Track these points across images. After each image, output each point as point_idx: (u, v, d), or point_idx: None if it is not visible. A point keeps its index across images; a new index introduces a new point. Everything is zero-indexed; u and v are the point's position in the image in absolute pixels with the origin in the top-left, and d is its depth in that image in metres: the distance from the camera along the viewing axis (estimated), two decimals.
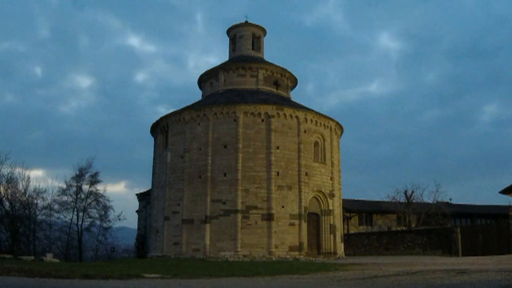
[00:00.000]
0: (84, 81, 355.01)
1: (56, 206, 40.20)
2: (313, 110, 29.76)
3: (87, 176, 41.51)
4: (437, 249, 31.31)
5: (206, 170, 26.86)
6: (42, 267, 15.75)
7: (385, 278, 10.99)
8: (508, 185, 28.82)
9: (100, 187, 42.73)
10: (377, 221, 45.08)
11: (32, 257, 29.30)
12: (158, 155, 30.96)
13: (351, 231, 42.87)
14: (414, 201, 43.06)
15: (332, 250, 28.37)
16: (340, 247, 30.17)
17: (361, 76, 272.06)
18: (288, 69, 32.84)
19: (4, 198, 37.00)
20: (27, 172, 54.74)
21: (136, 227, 42.82)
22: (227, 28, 34.95)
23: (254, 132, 27.09)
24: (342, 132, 32.44)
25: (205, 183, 26.73)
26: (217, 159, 26.92)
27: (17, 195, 37.88)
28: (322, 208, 28.79)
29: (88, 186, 41.66)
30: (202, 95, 33.95)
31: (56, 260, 28.22)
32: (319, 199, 28.67)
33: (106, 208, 42.18)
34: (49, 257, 30.11)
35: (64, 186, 40.93)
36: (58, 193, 40.58)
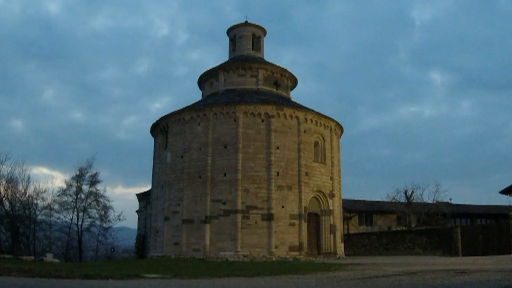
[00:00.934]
0: None
1: (56, 206, 40.30)
2: (313, 110, 29.76)
3: (87, 176, 41.58)
4: (437, 249, 31.31)
5: (206, 170, 26.87)
6: (42, 267, 15.75)
7: (385, 278, 10.99)
8: (508, 185, 28.81)
9: (100, 187, 42.80)
10: (377, 221, 45.10)
11: (32, 257, 29.30)
12: (158, 155, 30.97)
13: (351, 231, 42.87)
14: (414, 201, 43.08)
15: (332, 250, 28.37)
16: (340, 247, 30.17)
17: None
18: (288, 69, 32.89)
19: (4, 198, 37.02)
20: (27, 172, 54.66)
21: (136, 227, 42.81)
22: (227, 28, 34.97)
23: (254, 132, 27.09)
24: (342, 132, 32.44)
25: (205, 183, 26.73)
26: (217, 159, 26.92)
27: (17, 195, 37.93)
28: (322, 208, 28.80)
29: (88, 186, 41.73)
30: (202, 95, 33.96)
31: (56, 260, 28.22)
32: (319, 199, 28.67)
33: (106, 208, 42.26)
34: (49, 257, 30.10)
35: (64, 186, 41.02)
36: (58, 193, 40.66)
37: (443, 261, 20.62)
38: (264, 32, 34.88)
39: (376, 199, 47.76)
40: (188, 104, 31.22)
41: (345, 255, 31.20)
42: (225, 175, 26.57)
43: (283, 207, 26.41)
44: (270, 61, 33.54)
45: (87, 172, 41.48)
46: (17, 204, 37.69)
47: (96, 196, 41.80)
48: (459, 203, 49.28)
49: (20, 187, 38.16)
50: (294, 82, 34.04)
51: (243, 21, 34.25)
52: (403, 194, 43.44)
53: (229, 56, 34.53)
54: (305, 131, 28.16)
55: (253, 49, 33.75)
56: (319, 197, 28.62)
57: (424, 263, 18.01)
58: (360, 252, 36.59)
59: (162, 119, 30.31)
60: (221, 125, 27.36)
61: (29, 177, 40.19)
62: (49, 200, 40.08)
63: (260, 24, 34.50)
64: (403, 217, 42.39)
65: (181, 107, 30.36)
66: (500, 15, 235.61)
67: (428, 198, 43.89)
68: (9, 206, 37.03)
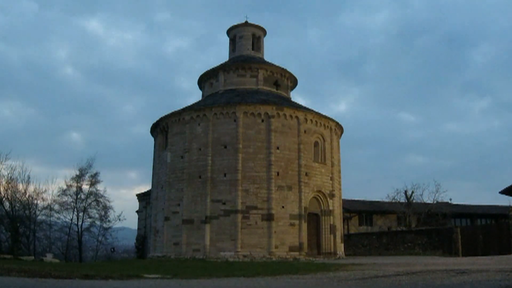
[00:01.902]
0: None
1: (56, 206, 40.25)
2: (313, 111, 29.77)
3: (87, 176, 41.57)
4: (437, 249, 31.31)
5: (206, 170, 26.86)
6: (42, 267, 15.75)
7: (385, 278, 10.99)
8: (508, 185, 28.79)
9: (100, 187, 42.79)
10: (377, 221, 45.09)
11: (32, 257, 29.30)
12: (158, 155, 30.97)
13: (351, 231, 42.86)
14: (414, 201, 43.09)
15: (332, 250, 28.36)
16: (340, 247, 30.17)
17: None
18: (288, 69, 32.88)
19: (4, 198, 37.00)
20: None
21: (136, 227, 42.83)
22: (227, 28, 34.97)
23: (254, 132, 27.09)
24: (342, 133, 32.44)
25: (205, 183, 26.73)
26: (217, 159, 26.92)
27: (17, 195, 37.90)
28: (322, 208, 28.79)
29: (88, 187, 41.72)
30: (202, 95, 33.96)
31: (56, 260, 28.21)
32: (319, 199, 28.67)
33: (106, 208, 42.22)
34: (49, 257, 30.09)
35: (64, 187, 41.00)
36: (58, 193, 40.64)
37: (443, 261, 20.62)
38: (264, 32, 34.87)
39: (376, 199, 47.80)
40: (188, 104, 31.25)
41: (345, 255, 31.19)
42: (225, 175, 26.56)
43: (283, 207, 26.40)
44: (270, 61, 33.54)
45: (87, 172, 41.51)
46: (17, 204, 37.67)
47: (96, 196, 41.80)
48: (459, 203, 49.29)
49: (20, 187, 38.17)
50: (294, 82, 34.03)
51: (243, 21, 34.25)
52: (403, 194, 43.47)
53: (229, 56, 34.52)
54: (305, 131, 28.16)
55: (253, 49, 33.74)
56: (319, 197, 28.61)
57: (424, 263, 18.01)
58: (360, 252, 36.58)
59: (162, 119, 30.30)
60: (221, 125, 27.35)
61: (29, 177, 40.14)
62: (49, 200, 40.10)
63: (260, 24, 34.52)
64: (403, 217, 42.38)
65: (181, 108, 30.40)
66: None
67: (428, 198, 43.93)
68: (9, 206, 37.01)
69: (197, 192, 26.90)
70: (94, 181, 41.76)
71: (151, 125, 32.03)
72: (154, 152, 31.96)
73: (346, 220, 40.84)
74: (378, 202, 46.60)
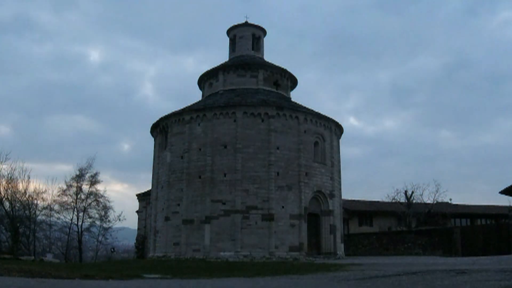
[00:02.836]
0: None
1: (56, 207, 40.29)
2: (313, 111, 29.77)
3: (87, 176, 41.58)
4: (437, 249, 31.33)
5: (206, 171, 26.86)
6: (42, 267, 15.75)
7: (385, 278, 10.98)
8: (508, 185, 28.79)
9: (100, 187, 42.81)
10: (377, 221, 45.08)
11: (32, 258, 29.32)
12: (158, 155, 30.96)
13: (351, 232, 42.87)
14: (414, 201, 43.07)
15: (332, 250, 28.36)
16: (340, 247, 30.17)
17: None
18: (288, 69, 32.88)
19: (4, 199, 37.02)
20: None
21: (136, 228, 42.85)
22: (227, 29, 34.95)
23: (254, 133, 27.08)
24: (342, 133, 32.44)
25: (205, 184, 26.72)
26: (217, 159, 26.91)
27: (17, 195, 37.91)
28: (322, 208, 28.79)
29: (88, 187, 41.72)
30: (202, 96, 33.95)
31: (56, 261, 28.26)
32: (319, 199, 28.67)
33: (106, 209, 42.24)
34: (49, 257, 30.15)
35: (64, 187, 41.01)
36: (58, 193, 40.65)
37: (443, 261, 20.61)
38: (264, 32, 34.86)
39: (376, 199, 47.80)
40: (188, 105, 31.25)
41: (345, 255, 31.19)
42: (225, 175, 26.56)
43: (283, 207, 26.40)
44: (270, 61, 33.54)
45: (87, 172, 41.52)
46: (17, 204, 37.70)
47: (96, 196, 41.81)
48: (459, 203, 49.30)
49: (20, 187, 38.18)
50: (294, 82, 34.02)
51: (243, 21, 34.25)
52: (403, 194, 43.45)
53: (229, 57, 34.51)
54: (305, 131, 28.16)
55: (253, 49, 33.73)
56: (319, 197, 28.61)
57: (424, 263, 18.00)
58: (360, 252, 36.59)
59: (162, 119, 30.30)
60: (221, 126, 27.35)
61: (29, 177, 40.10)
62: (49, 200, 40.12)
63: (260, 24, 34.51)
64: (403, 218, 42.37)
65: (181, 108, 30.40)
66: None
67: (428, 198, 43.91)
68: (9, 206, 37.05)
69: (197, 192, 26.89)
70: (94, 181, 41.81)
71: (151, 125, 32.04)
72: (154, 152, 31.96)
73: (346, 220, 40.83)
74: (378, 202, 46.60)
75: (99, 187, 42.58)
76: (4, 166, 37.16)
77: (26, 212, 38.14)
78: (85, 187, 41.54)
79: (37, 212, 39.45)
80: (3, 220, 37.20)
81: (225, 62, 33.69)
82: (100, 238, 43.38)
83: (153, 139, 32.73)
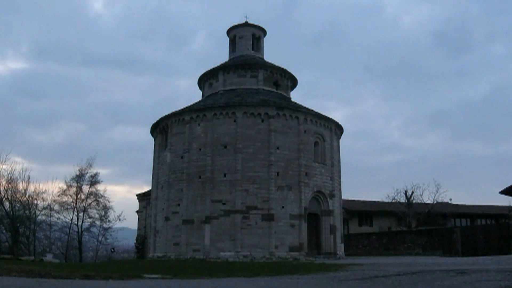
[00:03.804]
0: None
1: (56, 207, 40.29)
2: (313, 111, 29.77)
3: (87, 176, 41.59)
4: (437, 250, 31.33)
5: (206, 171, 26.86)
6: (42, 267, 15.75)
7: (385, 278, 10.98)
8: (509, 185, 28.80)
9: (100, 188, 42.80)
10: (377, 221, 45.11)
11: (32, 258, 29.32)
12: (158, 155, 30.97)
13: (351, 232, 42.89)
14: (414, 201, 43.10)
15: (332, 251, 28.36)
16: (340, 248, 30.16)
17: None
18: (288, 69, 32.89)
19: (4, 199, 37.02)
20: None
21: (136, 228, 42.85)
22: (227, 29, 34.95)
23: (254, 133, 27.08)
24: (342, 133, 32.44)
25: (205, 184, 26.72)
26: (217, 159, 26.91)
27: (17, 196, 37.92)
28: (322, 208, 28.79)
29: (88, 187, 41.72)
30: (202, 96, 33.95)
31: (56, 261, 28.25)
32: (319, 200, 28.66)
33: (106, 209, 42.24)
34: (49, 257, 30.13)
35: (64, 187, 41.01)
36: (58, 194, 40.66)
37: (443, 261, 20.61)
38: (264, 32, 34.86)
39: (376, 199, 47.82)
40: (188, 105, 31.25)
41: (345, 255, 31.19)
42: (225, 175, 26.55)
43: (283, 207, 26.39)
44: (270, 61, 33.54)
45: (87, 172, 41.52)
46: (17, 204, 37.70)
47: (96, 196, 41.81)
48: (459, 203, 49.31)
49: (20, 187, 38.19)
50: (294, 82, 34.02)
51: (243, 21, 34.24)
52: (403, 195, 43.48)
53: (229, 57, 34.50)
54: (305, 132, 28.15)
55: (253, 49, 33.73)
56: (319, 197, 28.61)
57: (424, 263, 18.00)
58: (360, 252, 36.60)
59: (162, 119, 30.30)
60: (221, 126, 27.35)
61: (29, 177, 40.17)
62: (49, 200, 40.12)
63: (260, 24, 34.51)
64: (403, 218, 42.39)
65: (181, 108, 30.40)
66: None
67: (428, 198, 43.94)
68: (9, 206, 37.05)
69: (197, 192, 26.89)
70: (94, 181, 41.81)
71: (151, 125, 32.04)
72: (154, 152, 31.96)
73: (346, 220, 40.84)
74: (378, 202, 46.63)
75: (99, 187, 42.57)
76: (4, 166, 37.10)
77: (26, 212, 38.14)
78: (85, 187, 41.59)
79: (37, 212, 39.48)
80: (3, 220, 37.20)
81: (225, 62, 33.68)
82: (100, 238, 43.40)
83: (153, 139, 32.74)
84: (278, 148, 27.02)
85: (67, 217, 40.57)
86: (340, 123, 31.29)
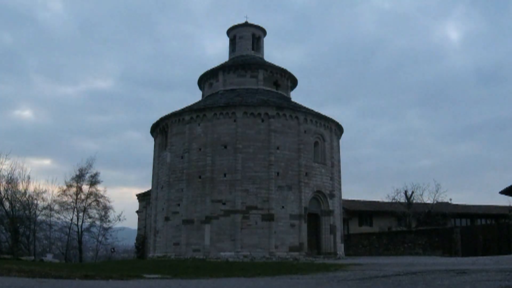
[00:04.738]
0: None
1: (56, 207, 40.30)
2: (313, 111, 29.77)
3: (87, 176, 41.59)
4: (438, 250, 31.32)
5: (206, 171, 26.86)
6: (42, 267, 15.74)
7: (385, 278, 10.98)
8: (509, 185, 28.81)
9: (100, 188, 42.81)
10: (377, 221, 45.10)
11: (32, 258, 29.33)
12: (158, 155, 30.97)
13: (351, 232, 42.88)
14: (414, 201, 43.08)
15: (332, 251, 28.36)
16: (340, 248, 30.17)
17: None
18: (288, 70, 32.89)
19: (4, 199, 37.01)
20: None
21: (136, 228, 42.83)
22: (227, 29, 34.95)
23: (254, 133, 27.08)
24: (342, 133, 32.44)
25: (205, 184, 26.72)
26: (217, 159, 26.91)
27: (17, 196, 37.91)
28: (322, 208, 28.79)
29: (88, 187, 41.72)
30: (202, 96, 33.96)
31: (56, 261, 28.25)
32: (319, 200, 28.66)
33: (106, 209, 42.25)
34: (49, 257, 30.14)
35: (64, 187, 41.01)
36: (58, 194, 40.66)
37: (443, 261, 20.61)
38: (264, 32, 34.87)
39: (376, 200, 47.80)
40: (188, 105, 31.25)
41: (345, 255, 31.20)
42: (225, 175, 26.56)
43: (283, 207, 26.40)
44: (270, 61, 33.54)
45: (87, 172, 41.52)
46: (17, 204, 37.68)
47: (96, 196, 41.82)
48: (459, 203, 49.30)
49: (20, 187, 38.18)
50: (294, 82, 34.02)
51: (243, 21, 34.24)
52: (403, 195, 43.46)
53: (229, 57, 34.51)
54: (305, 132, 28.16)
55: (253, 49, 33.73)
56: (319, 197, 28.61)
57: (424, 263, 18.00)
58: (360, 252, 36.60)
59: (162, 119, 30.31)
60: (221, 126, 27.35)
61: (29, 177, 40.12)
62: (49, 200, 40.12)
63: (260, 24, 34.51)
64: (403, 218, 42.38)
65: (181, 108, 30.40)
66: None
67: (428, 198, 43.92)
68: (9, 206, 37.03)
69: (197, 192, 26.90)
70: (94, 181, 41.81)
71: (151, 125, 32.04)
72: (154, 152, 31.96)
73: (346, 220, 40.84)
74: (378, 202, 46.62)
75: (99, 187, 42.58)
76: (4, 166, 37.09)
77: (26, 212, 38.12)
78: (85, 187, 41.59)
79: (37, 212, 39.46)
80: (3, 220, 37.18)
81: (225, 62, 33.69)
82: (100, 238, 43.41)
83: (153, 139, 32.74)
84: (278, 148, 27.02)
85: (67, 217, 40.63)
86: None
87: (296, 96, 43.80)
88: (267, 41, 35.74)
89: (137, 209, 43.04)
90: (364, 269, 15.01)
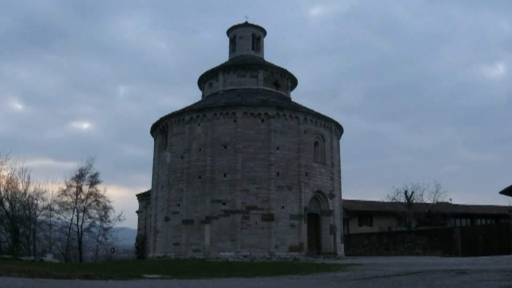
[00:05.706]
0: None
1: (56, 207, 40.30)
2: (313, 111, 29.77)
3: (87, 176, 41.60)
4: (438, 250, 31.31)
5: (206, 171, 26.85)
6: (42, 267, 15.74)
7: (385, 278, 10.98)
8: (509, 185, 28.80)
9: (100, 188, 42.81)
10: (377, 221, 45.11)
11: (32, 258, 29.32)
12: (158, 155, 30.97)
13: (351, 232, 42.88)
14: (414, 201, 43.11)
15: (332, 251, 28.36)
16: (340, 248, 30.16)
17: None
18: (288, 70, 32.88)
19: (4, 199, 37.02)
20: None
21: (136, 228, 42.83)
22: (227, 29, 34.95)
23: (254, 133, 27.08)
24: (342, 133, 32.44)
25: (205, 184, 26.72)
26: (217, 159, 26.91)
27: (17, 195, 37.92)
28: (322, 208, 28.79)
29: (88, 187, 41.72)
30: (202, 96, 33.96)
31: (56, 261, 28.25)
32: (319, 200, 28.66)
33: (106, 209, 42.26)
34: (49, 257, 30.13)
35: (64, 187, 41.02)
36: (58, 194, 40.66)
37: (443, 261, 20.62)
38: (264, 32, 34.86)
39: (376, 200, 47.81)
40: (188, 105, 31.25)
41: (345, 255, 31.19)
42: (225, 175, 26.56)
43: (283, 207, 26.40)
44: (270, 62, 33.54)
45: (87, 173, 41.53)
46: (17, 205, 37.70)
47: (96, 196, 41.82)
48: (459, 203, 49.31)
49: (20, 187, 38.19)
50: (294, 82, 34.02)
51: (243, 21, 34.24)
52: (403, 195, 43.49)
53: (229, 57, 34.50)
54: (305, 132, 28.15)
55: (253, 49, 33.73)
56: (319, 197, 28.60)
57: (424, 263, 18.01)
58: (360, 252, 36.59)
59: (162, 119, 30.31)
60: (221, 126, 27.35)
61: (29, 177, 40.17)
62: (49, 200, 40.13)
63: (260, 25, 34.51)
64: (403, 218, 42.39)
65: (181, 108, 30.40)
66: None
67: (428, 198, 43.95)
68: (9, 207, 37.05)
69: (197, 192, 26.89)
70: (94, 181, 41.82)
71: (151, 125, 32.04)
72: (154, 152, 31.96)
73: (346, 220, 40.84)
74: (378, 202, 46.64)
75: (99, 187, 42.58)
76: (4, 166, 37.10)
77: (26, 212, 38.14)
78: (85, 188, 41.60)
79: (37, 212, 39.48)
80: (3, 220, 37.18)
81: (225, 62, 33.68)
82: (100, 238, 43.41)
83: (153, 139, 32.74)
84: (278, 148, 27.02)
85: (67, 217, 40.64)
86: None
87: (296, 96, 43.88)
88: (267, 41, 35.71)
89: (137, 209, 43.06)
90: (364, 269, 15.01)
